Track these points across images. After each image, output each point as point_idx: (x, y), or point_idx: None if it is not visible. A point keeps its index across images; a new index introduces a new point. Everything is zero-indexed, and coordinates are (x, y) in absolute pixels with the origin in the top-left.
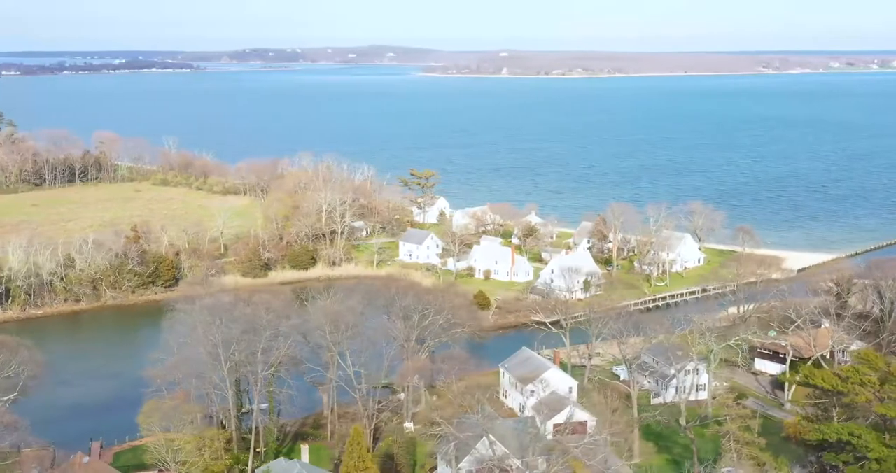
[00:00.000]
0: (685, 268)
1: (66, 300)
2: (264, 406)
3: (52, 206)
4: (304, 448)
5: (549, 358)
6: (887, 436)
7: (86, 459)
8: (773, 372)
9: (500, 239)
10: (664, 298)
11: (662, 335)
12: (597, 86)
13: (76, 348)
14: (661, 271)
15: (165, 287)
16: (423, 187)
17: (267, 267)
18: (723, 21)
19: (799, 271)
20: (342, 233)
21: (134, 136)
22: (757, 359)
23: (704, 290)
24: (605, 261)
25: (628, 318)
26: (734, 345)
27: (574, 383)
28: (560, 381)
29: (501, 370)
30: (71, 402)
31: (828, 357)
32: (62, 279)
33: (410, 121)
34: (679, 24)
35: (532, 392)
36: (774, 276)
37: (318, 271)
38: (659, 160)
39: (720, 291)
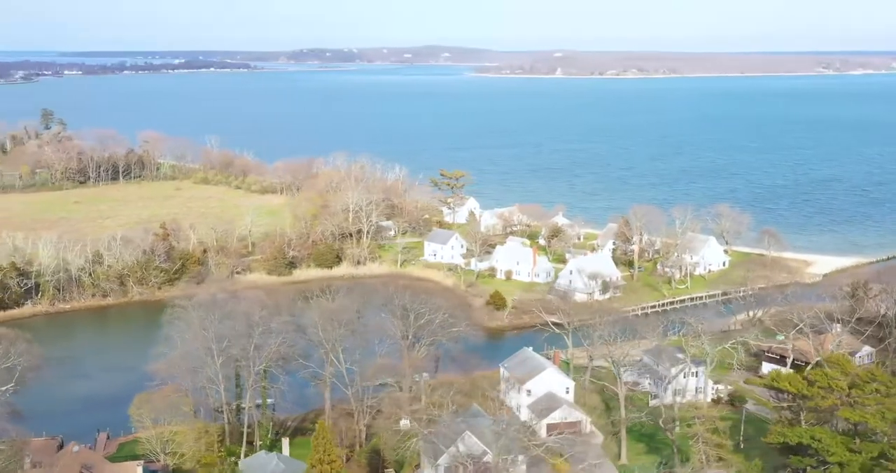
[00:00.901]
0: (709, 271)
1: (93, 295)
2: (270, 401)
3: (94, 204)
4: (285, 442)
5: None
6: (858, 441)
7: (76, 448)
8: None
9: (526, 240)
10: (682, 301)
11: (654, 338)
12: (650, 87)
13: (99, 342)
14: (683, 273)
15: (192, 283)
16: (452, 187)
17: (292, 265)
18: (782, 21)
19: (823, 275)
20: (368, 232)
21: (178, 136)
22: (764, 363)
23: (725, 294)
24: (629, 263)
25: (625, 322)
26: (731, 348)
27: (571, 383)
28: (556, 381)
29: (502, 369)
30: (87, 394)
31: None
32: (90, 275)
33: (456, 122)
34: (736, 24)
35: (529, 391)
36: (797, 280)
37: (343, 270)
38: (700, 162)
39: (741, 294)
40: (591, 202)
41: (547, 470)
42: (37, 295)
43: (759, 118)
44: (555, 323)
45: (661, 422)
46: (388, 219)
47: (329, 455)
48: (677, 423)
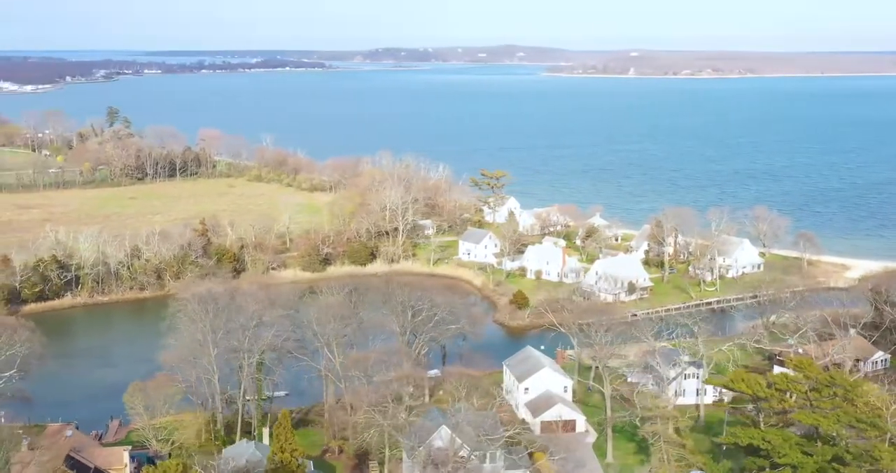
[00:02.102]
0: (742, 274)
1: (131, 288)
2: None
3: (148, 200)
4: (265, 431)
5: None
6: (819, 443)
7: (69, 433)
8: None
9: (560, 241)
10: (708, 303)
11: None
12: (724, 88)
13: (132, 333)
14: (714, 276)
15: (228, 278)
16: (492, 187)
17: (326, 261)
18: (863, 20)
19: (859, 280)
20: (404, 230)
21: (236, 134)
22: (776, 367)
23: (755, 296)
24: (662, 265)
25: (623, 324)
26: (727, 351)
27: (569, 382)
28: (555, 380)
29: (504, 367)
30: (110, 382)
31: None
32: (128, 268)
33: (517, 122)
34: (817, 24)
35: (526, 389)
36: (830, 284)
37: (376, 267)
38: (756, 164)
39: (768, 298)
40: (634, 203)
41: (527, 465)
42: (77, 287)
43: (829, 119)
44: (562, 323)
45: (637, 421)
46: (425, 217)
47: (289, 443)
48: (657, 421)
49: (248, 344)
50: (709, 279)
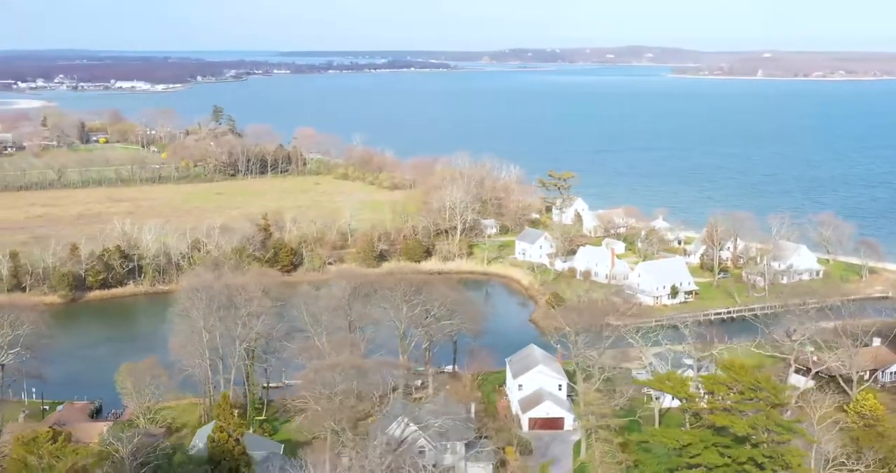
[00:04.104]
0: (798, 280)
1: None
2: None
3: (233, 195)
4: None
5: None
6: (748, 446)
7: (60, 407)
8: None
9: (619, 242)
10: (751, 309)
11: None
12: (856, 90)
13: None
14: (767, 281)
15: (284, 271)
16: (559, 188)
17: (382, 257)
18: None
19: None
20: (463, 229)
21: (333, 133)
22: (792, 374)
23: (804, 304)
24: (720, 269)
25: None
26: (717, 354)
27: (564, 381)
28: (549, 378)
29: (507, 364)
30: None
31: (865, 376)
32: (189, 260)
33: (619, 124)
34: None
35: (520, 386)
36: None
37: (430, 265)
38: (856, 169)
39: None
40: (710, 207)
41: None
42: (139, 276)
43: None
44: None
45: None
46: (489, 217)
47: (228, 423)
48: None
49: (240, 332)
50: (761, 284)
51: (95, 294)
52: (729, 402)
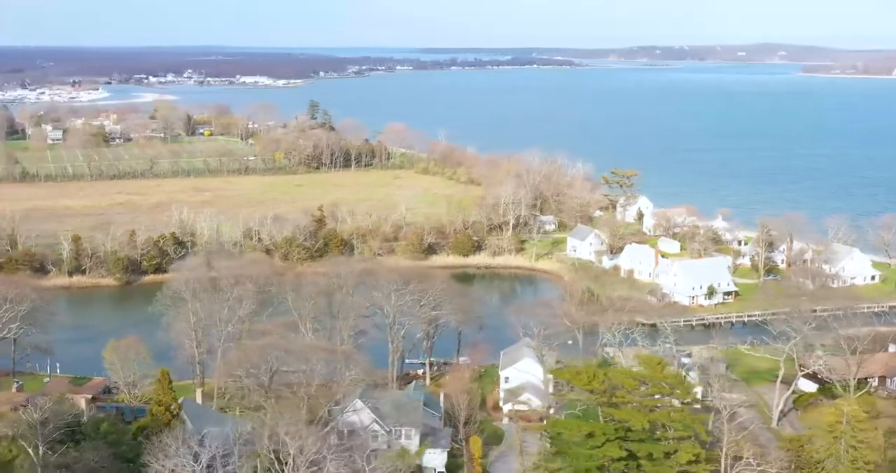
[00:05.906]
0: (851, 285)
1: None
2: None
3: (312, 187)
4: (198, 392)
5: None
6: (651, 441)
7: (46, 379)
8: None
9: (676, 242)
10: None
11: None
12: None
13: None
14: (815, 285)
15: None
16: (622, 186)
17: (431, 251)
18: None
19: None
20: (515, 225)
21: (425, 129)
22: (801, 378)
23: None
24: (768, 271)
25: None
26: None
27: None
28: (536, 371)
29: (501, 356)
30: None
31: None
32: (240, 247)
33: (727, 123)
34: None
35: (506, 378)
36: None
37: (479, 259)
38: None
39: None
40: (782, 209)
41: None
42: None
43: None
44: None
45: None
46: (546, 213)
47: (166, 398)
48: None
49: (225, 314)
50: (810, 288)
51: (149, 278)
52: (638, 397)
